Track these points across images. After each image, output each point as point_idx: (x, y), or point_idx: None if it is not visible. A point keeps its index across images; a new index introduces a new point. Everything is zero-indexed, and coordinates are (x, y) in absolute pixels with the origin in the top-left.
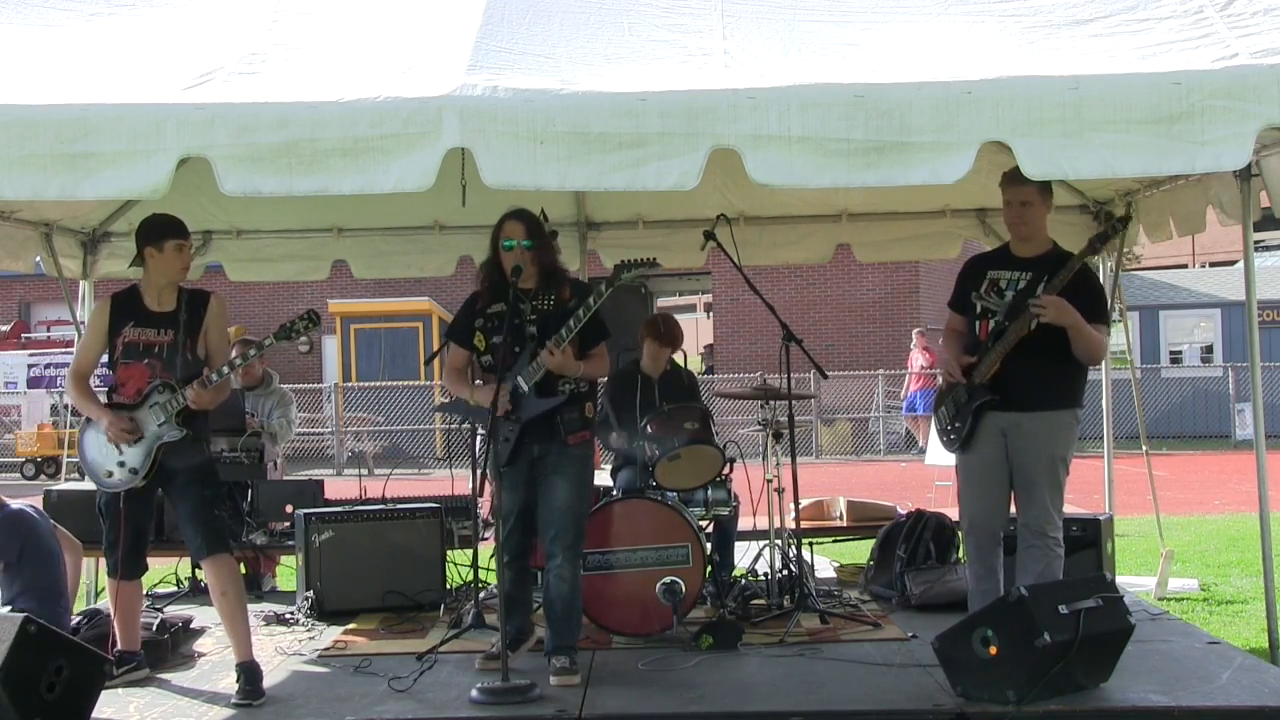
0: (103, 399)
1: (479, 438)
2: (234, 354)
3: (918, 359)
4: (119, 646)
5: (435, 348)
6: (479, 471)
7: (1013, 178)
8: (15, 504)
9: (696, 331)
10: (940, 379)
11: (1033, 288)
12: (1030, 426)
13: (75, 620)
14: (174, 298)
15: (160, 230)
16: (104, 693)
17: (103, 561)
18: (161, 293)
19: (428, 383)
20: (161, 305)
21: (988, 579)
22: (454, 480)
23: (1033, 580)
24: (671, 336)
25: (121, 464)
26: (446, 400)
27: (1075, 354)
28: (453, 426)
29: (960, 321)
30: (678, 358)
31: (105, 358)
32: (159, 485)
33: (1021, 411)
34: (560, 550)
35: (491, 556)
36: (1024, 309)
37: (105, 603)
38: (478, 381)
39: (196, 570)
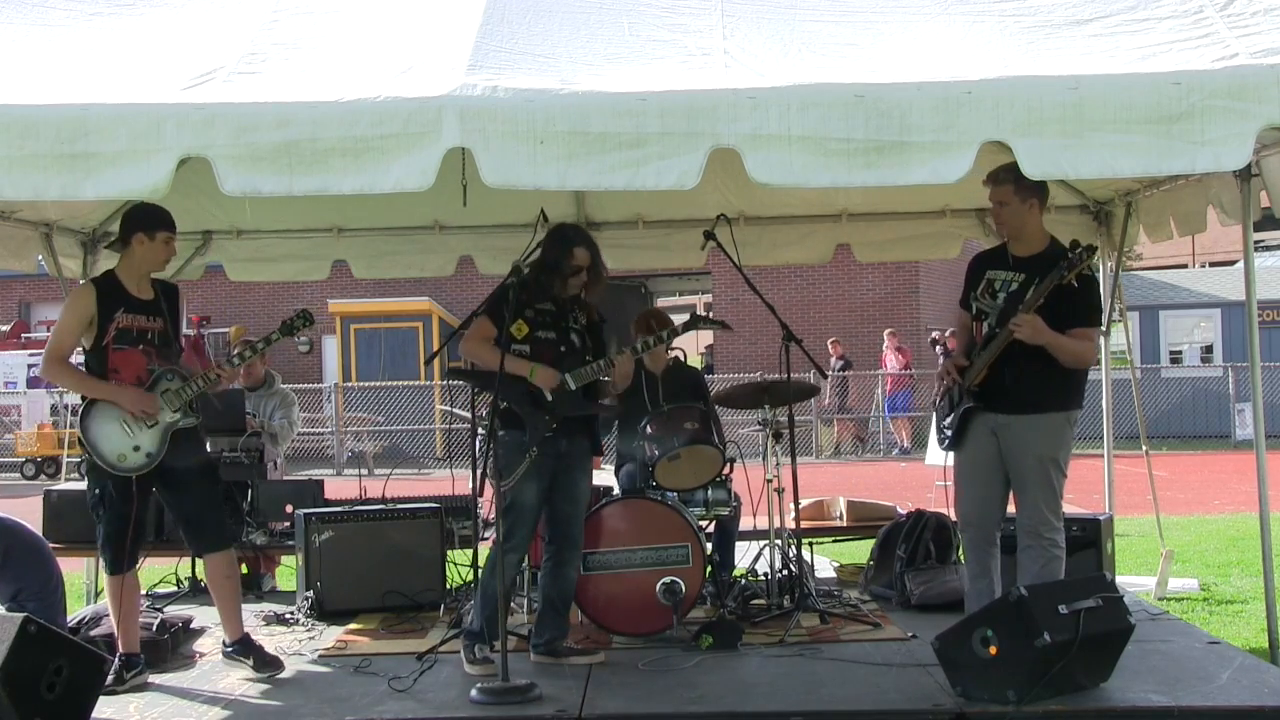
0: None
1: (479, 438)
2: (236, 350)
3: (891, 360)
4: (122, 649)
5: (435, 347)
6: (479, 471)
7: (990, 176)
8: None
9: (697, 331)
10: (946, 377)
11: (1024, 290)
12: (1018, 428)
13: (75, 620)
14: (150, 287)
15: (155, 220)
16: (103, 693)
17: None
18: (140, 281)
19: (428, 383)
20: (142, 293)
21: (981, 577)
22: (454, 480)
23: (1031, 580)
24: (661, 324)
25: (136, 448)
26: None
27: (1061, 362)
28: (454, 426)
29: (967, 319)
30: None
31: (83, 344)
32: (155, 480)
33: (1010, 414)
34: (578, 541)
35: None
36: (1008, 321)
37: (105, 603)
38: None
39: (196, 570)
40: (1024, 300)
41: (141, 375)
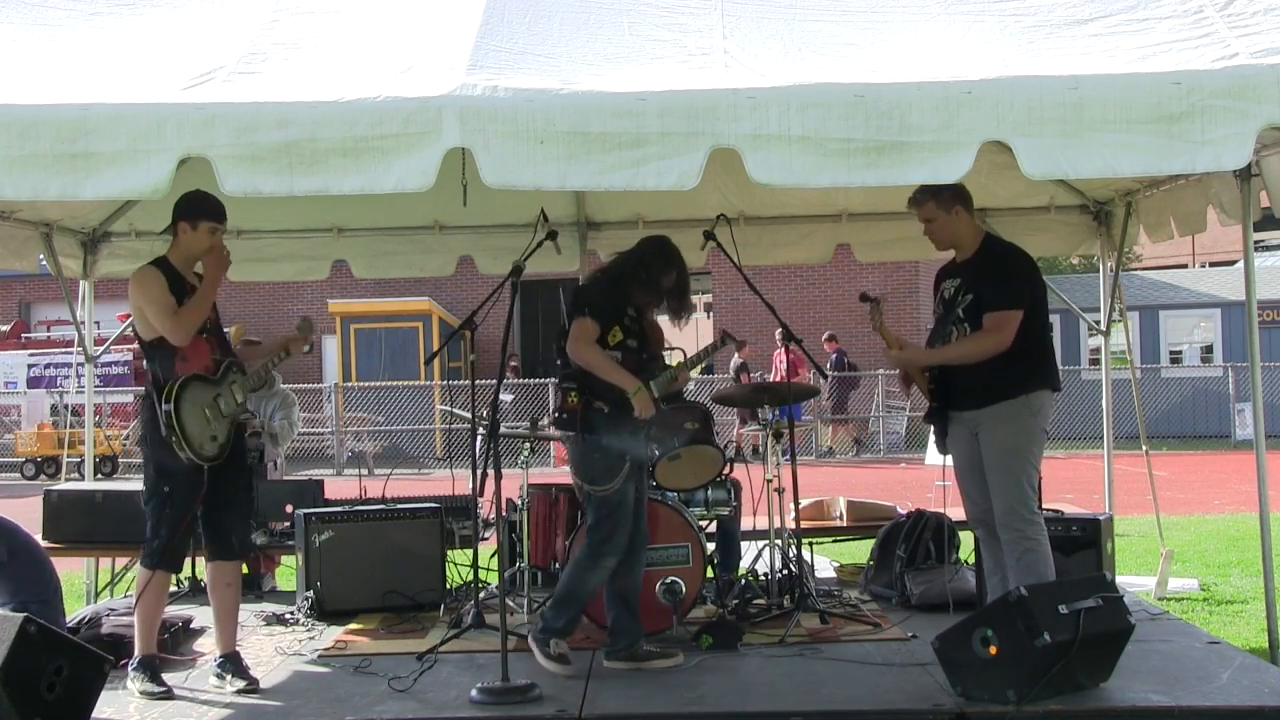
0: (131, 385)
1: (479, 437)
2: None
3: (781, 362)
4: (143, 651)
5: (435, 347)
6: (479, 471)
7: (910, 201)
8: None
9: (697, 331)
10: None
11: (958, 294)
12: (980, 421)
13: (75, 620)
14: (196, 277)
15: (199, 210)
16: (104, 692)
17: (104, 562)
18: (190, 271)
19: (428, 383)
20: (194, 282)
21: (994, 573)
22: (454, 480)
23: (1014, 571)
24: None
25: (214, 438)
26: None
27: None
28: (454, 426)
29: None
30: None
31: (143, 334)
32: (215, 473)
33: (975, 410)
34: (646, 538)
35: (492, 556)
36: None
37: (105, 603)
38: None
39: (197, 570)
40: (960, 298)
41: (209, 366)
